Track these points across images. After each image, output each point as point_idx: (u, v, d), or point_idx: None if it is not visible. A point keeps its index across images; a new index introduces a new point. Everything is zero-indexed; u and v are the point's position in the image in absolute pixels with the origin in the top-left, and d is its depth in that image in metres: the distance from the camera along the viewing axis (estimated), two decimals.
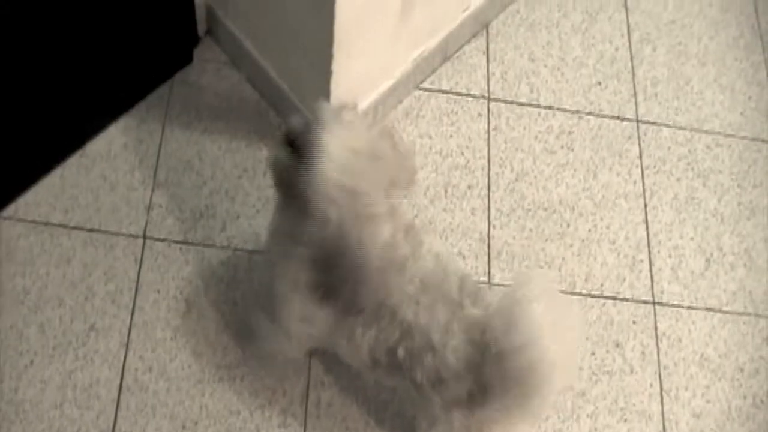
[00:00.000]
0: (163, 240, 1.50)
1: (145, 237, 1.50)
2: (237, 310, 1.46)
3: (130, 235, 1.50)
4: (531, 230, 1.62)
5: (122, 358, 1.41)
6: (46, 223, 1.50)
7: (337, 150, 1.02)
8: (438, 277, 1.14)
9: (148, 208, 1.52)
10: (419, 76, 1.69)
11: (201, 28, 1.64)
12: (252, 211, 1.54)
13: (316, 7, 1.29)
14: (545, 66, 1.80)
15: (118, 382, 1.40)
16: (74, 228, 1.50)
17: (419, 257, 1.14)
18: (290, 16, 1.39)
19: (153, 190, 1.54)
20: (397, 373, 1.19)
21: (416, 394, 1.19)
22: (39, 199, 1.52)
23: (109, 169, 1.55)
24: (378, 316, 1.16)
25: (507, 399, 1.09)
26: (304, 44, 1.40)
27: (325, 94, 1.42)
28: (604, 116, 1.77)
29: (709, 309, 1.62)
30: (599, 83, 1.80)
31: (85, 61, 1.49)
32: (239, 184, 1.56)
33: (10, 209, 1.51)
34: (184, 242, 1.51)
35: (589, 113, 1.76)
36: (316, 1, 1.28)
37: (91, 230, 1.50)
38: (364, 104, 1.56)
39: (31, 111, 1.51)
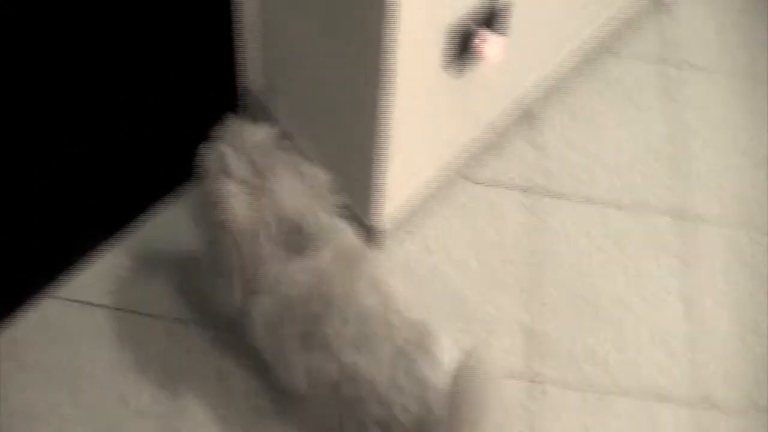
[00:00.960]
0: (203, 325, 1.50)
1: (186, 321, 1.50)
2: None
3: (173, 319, 1.50)
4: (575, 324, 1.59)
5: None
6: (91, 304, 1.51)
7: (221, 154, 1.16)
8: (379, 324, 1.13)
9: (191, 293, 1.53)
10: (465, 165, 1.69)
11: (246, 113, 1.66)
12: None
13: (369, 96, 1.30)
14: (592, 158, 1.79)
15: None
16: (118, 309, 1.51)
17: (356, 294, 1.13)
18: (341, 104, 1.41)
19: (195, 276, 1.54)
20: (341, 406, 1.18)
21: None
22: (85, 280, 1.53)
23: (153, 253, 1.57)
24: (306, 344, 1.16)
25: None
26: (354, 133, 1.41)
27: (373, 181, 1.43)
28: (650, 210, 1.75)
29: (756, 409, 1.57)
30: (645, 176, 1.79)
31: (134, 146, 1.54)
32: None
33: (57, 289, 1.52)
34: (225, 329, 1.49)
35: (636, 207, 1.75)
36: (369, 91, 1.30)
37: (133, 312, 1.50)
38: (410, 191, 1.57)
39: (80, 191, 1.53)
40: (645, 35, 1.98)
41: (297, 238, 1.16)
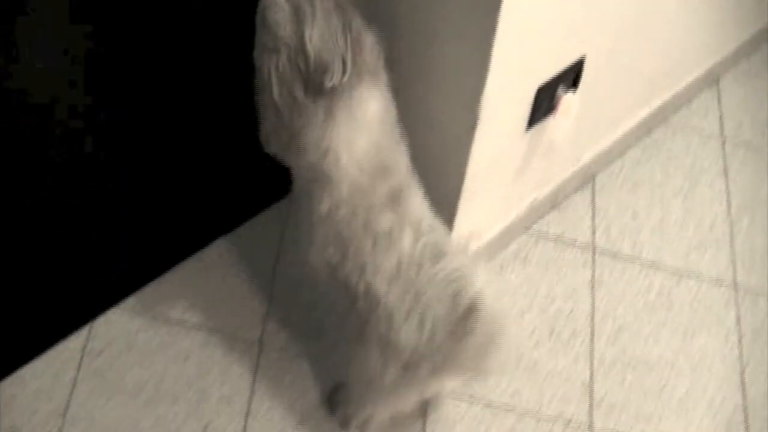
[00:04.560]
0: (278, 350, 1.56)
1: (261, 344, 1.56)
2: None
3: (247, 340, 1.56)
4: (631, 383, 1.64)
5: None
6: (166, 320, 1.57)
7: None
8: (414, 265, 1.17)
9: (264, 318, 1.59)
10: (529, 220, 1.77)
11: None
12: None
13: (454, 152, 1.39)
14: (647, 224, 1.86)
15: None
16: (192, 327, 1.57)
17: (400, 233, 1.18)
18: (428, 159, 1.49)
19: (269, 302, 1.60)
20: (349, 307, 1.24)
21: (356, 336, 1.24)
22: (159, 294, 1.59)
23: (227, 275, 1.63)
24: (337, 243, 1.21)
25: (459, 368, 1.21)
26: (436, 185, 1.48)
27: (449, 229, 1.50)
28: (702, 279, 1.81)
29: None
30: (699, 247, 1.85)
31: (212, 170, 1.65)
32: None
33: (130, 301, 1.58)
34: (298, 355, 1.55)
35: (688, 275, 1.81)
36: (455, 148, 1.38)
37: (209, 330, 1.56)
38: (480, 242, 1.64)
39: (157, 208, 1.63)
40: (700, 110, 2.06)
41: (318, 80, 1.15)
